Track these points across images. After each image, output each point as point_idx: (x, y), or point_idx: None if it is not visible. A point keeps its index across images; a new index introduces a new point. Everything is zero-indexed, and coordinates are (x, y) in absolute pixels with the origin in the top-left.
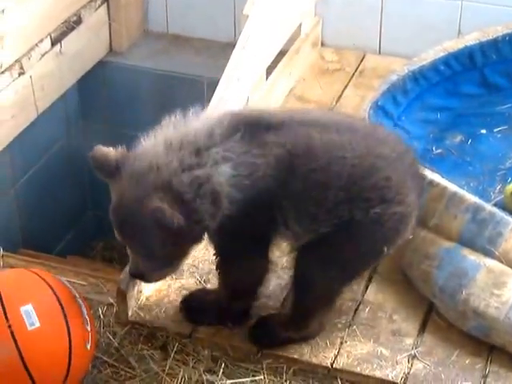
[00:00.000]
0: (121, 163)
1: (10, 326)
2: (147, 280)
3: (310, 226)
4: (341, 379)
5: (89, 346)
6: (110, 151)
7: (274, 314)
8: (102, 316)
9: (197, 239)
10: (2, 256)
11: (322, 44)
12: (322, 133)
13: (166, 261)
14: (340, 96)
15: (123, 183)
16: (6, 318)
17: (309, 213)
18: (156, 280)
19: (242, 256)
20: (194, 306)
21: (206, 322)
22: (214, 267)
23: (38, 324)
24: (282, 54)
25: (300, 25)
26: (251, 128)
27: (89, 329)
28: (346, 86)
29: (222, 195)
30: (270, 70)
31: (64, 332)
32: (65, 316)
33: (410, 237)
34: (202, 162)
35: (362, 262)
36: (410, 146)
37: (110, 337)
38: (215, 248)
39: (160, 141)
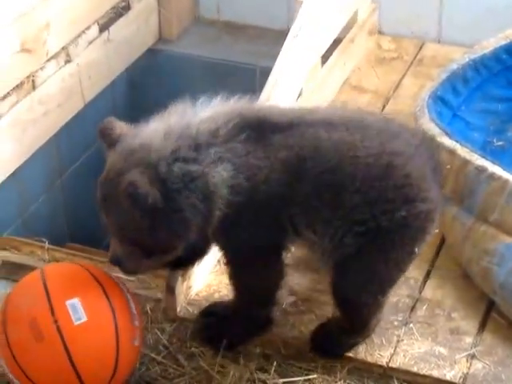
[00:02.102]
0: (122, 137)
1: (56, 321)
2: (124, 268)
3: (326, 232)
4: (397, 379)
5: (136, 343)
6: (117, 124)
7: (332, 321)
8: (149, 312)
9: (177, 236)
10: (48, 249)
11: (379, 32)
12: (332, 132)
13: (143, 250)
14: (397, 86)
15: (115, 157)
16: (52, 312)
17: (323, 218)
18: (133, 271)
19: (251, 263)
20: (212, 325)
21: (232, 339)
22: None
23: (84, 318)
24: (337, 42)
25: (356, 12)
26: (258, 129)
27: (137, 324)
28: (403, 76)
29: (216, 195)
30: (324, 59)
31: (111, 327)
32: (112, 311)
33: (436, 231)
34: (199, 158)
35: (396, 268)
36: (427, 138)
37: (159, 333)
38: (224, 255)
39: (161, 126)
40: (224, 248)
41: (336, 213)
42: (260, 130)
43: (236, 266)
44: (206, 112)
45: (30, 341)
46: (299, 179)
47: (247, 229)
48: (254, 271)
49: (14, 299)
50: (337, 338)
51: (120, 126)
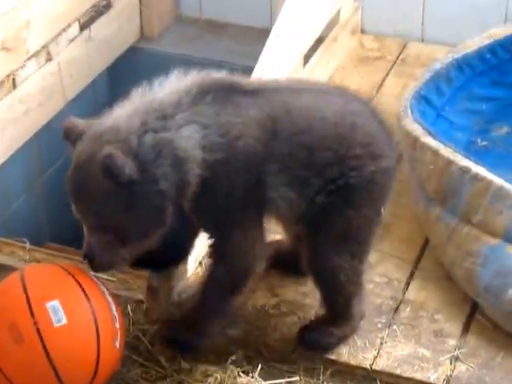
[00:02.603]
0: (87, 129)
1: (35, 323)
2: (99, 263)
3: (304, 191)
4: (380, 381)
5: (118, 344)
6: (79, 121)
7: (316, 318)
8: (131, 313)
9: (154, 213)
10: (29, 250)
11: (362, 31)
12: (298, 97)
13: (118, 238)
14: (380, 85)
15: (82, 146)
16: (32, 314)
17: (299, 177)
18: (109, 264)
19: (234, 235)
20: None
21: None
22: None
23: (64, 321)
24: (319, 41)
25: (339, 11)
26: (224, 91)
27: (118, 326)
28: (386, 75)
29: (189, 160)
30: (307, 58)
31: (92, 329)
32: (93, 313)
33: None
34: (167, 126)
35: (368, 227)
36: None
37: (140, 335)
38: (205, 227)
39: (125, 109)
40: (205, 222)
41: (311, 171)
42: (226, 91)
43: (218, 239)
44: (167, 88)
45: (10, 343)
46: (273, 138)
47: (228, 192)
48: (237, 244)
49: None
50: (323, 330)
51: (82, 123)
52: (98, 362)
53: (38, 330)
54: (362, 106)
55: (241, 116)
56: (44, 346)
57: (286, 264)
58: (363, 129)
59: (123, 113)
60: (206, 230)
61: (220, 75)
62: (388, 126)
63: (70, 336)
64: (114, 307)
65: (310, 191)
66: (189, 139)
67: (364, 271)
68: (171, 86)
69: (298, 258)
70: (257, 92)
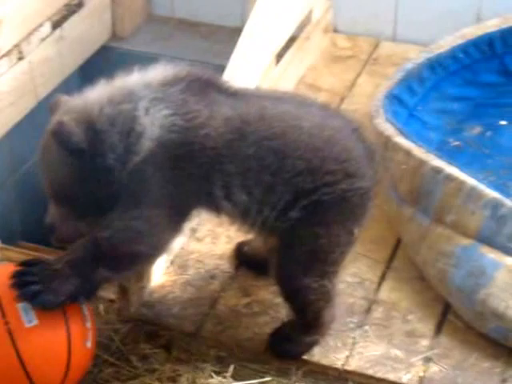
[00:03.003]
0: (61, 106)
1: (6, 323)
2: (57, 235)
3: (267, 199)
4: (352, 382)
5: (89, 344)
6: (62, 98)
7: (287, 323)
8: (102, 312)
9: (104, 186)
10: (1, 249)
11: (334, 30)
12: (277, 104)
13: (75, 211)
14: (353, 84)
15: (51, 120)
16: (3, 314)
17: (263, 181)
18: (67, 236)
19: (149, 207)
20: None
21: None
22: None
23: (35, 321)
24: (292, 40)
25: (311, 10)
26: (198, 84)
27: (89, 326)
28: (359, 74)
29: (141, 134)
30: (279, 58)
31: (63, 329)
32: (64, 313)
33: None
34: (132, 101)
35: (338, 248)
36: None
37: (112, 334)
38: (123, 199)
39: (99, 88)
40: (132, 189)
41: (278, 178)
42: (201, 85)
43: (129, 206)
44: (142, 74)
45: None
46: (241, 139)
47: (169, 175)
48: (158, 226)
49: None
50: (294, 339)
51: (64, 99)
52: (69, 363)
53: (8, 330)
54: (343, 123)
55: (209, 109)
56: (15, 346)
57: (256, 264)
58: (340, 145)
59: (96, 92)
60: (124, 203)
61: (199, 70)
62: (373, 149)
63: (40, 336)
64: (85, 307)
65: (274, 198)
66: (149, 115)
67: (334, 287)
68: (147, 73)
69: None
70: (234, 94)
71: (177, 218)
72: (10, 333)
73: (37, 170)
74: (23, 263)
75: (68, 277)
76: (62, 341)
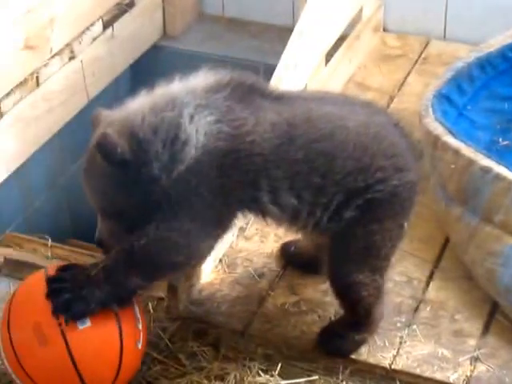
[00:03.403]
0: (102, 120)
1: (60, 325)
2: (107, 250)
3: (317, 201)
4: (399, 381)
5: (140, 345)
6: (102, 111)
7: (336, 321)
8: (152, 311)
9: (150, 196)
10: (50, 246)
11: (384, 29)
12: (322, 106)
13: (122, 223)
14: (402, 83)
15: (94, 134)
16: (57, 316)
17: (312, 184)
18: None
19: (188, 220)
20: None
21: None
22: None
23: (89, 323)
24: (341, 39)
25: (361, 9)
26: (242, 90)
27: (140, 327)
28: (408, 73)
29: (186, 142)
30: (329, 57)
31: (115, 331)
32: (116, 315)
33: None
34: (175, 108)
35: (389, 242)
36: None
37: (160, 333)
38: (163, 208)
39: (140, 99)
40: (174, 200)
41: (328, 179)
42: (246, 91)
43: (170, 218)
44: (184, 82)
45: (34, 344)
46: (289, 143)
47: (220, 183)
48: (187, 234)
49: (17, 301)
50: (344, 336)
51: (104, 113)
52: (120, 364)
53: (62, 332)
54: (386, 119)
55: (255, 115)
56: (68, 348)
57: (304, 263)
58: (387, 140)
59: (136, 103)
60: (165, 213)
61: (242, 75)
62: (414, 143)
63: (93, 338)
64: (137, 309)
65: (325, 200)
66: (194, 122)
67: (384, 283)
68: (189, 80)
69: (317, 259)
70: (278, 98)
71: (218, 228)
72: (63, 334)
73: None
74: (59, 269)
75: (100, 284)
76: (115, 342)
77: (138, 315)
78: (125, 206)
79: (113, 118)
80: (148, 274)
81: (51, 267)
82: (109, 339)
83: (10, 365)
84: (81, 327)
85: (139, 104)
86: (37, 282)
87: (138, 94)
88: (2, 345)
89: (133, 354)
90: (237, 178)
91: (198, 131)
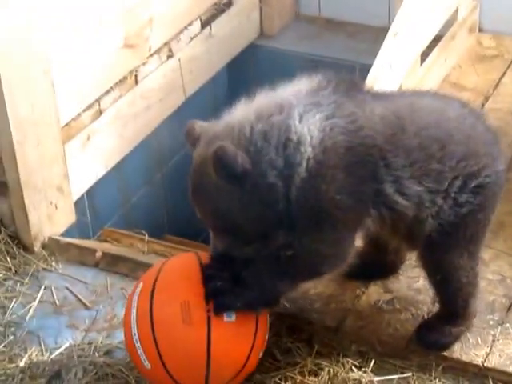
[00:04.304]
0: (203, 132)
1: (209, 311)
2: (224, 262)
3: (437, 186)
4: (492, 379)
5: (261, 355)
6: (198, 124)
7: (435, 314)
8: None
9: (268, 208)
10: (147, 242)
11: (480, 29)
12: (420, 99)
13: (239, 237)
14: (497, 84)
15: (199, 148)
16: (208, 301)
17: (431, 170)
18: (236, 266)
19: (331, 229)
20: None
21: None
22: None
23: (234, 318)
24: (437, 39)
25: (457, 9)
26: (344, 87)
27: (267, 338)
28: (503, 74)
29: (299, 142)
30: (424, 57)
31: (251, 336)
32: (256, 322)
33: None
34: (282, 112)
35: (487, 228)
36: None
37: None
38: (298, 219)
39: (241, 109)
40: (309, 211)
41: (445, 165)
42: (346, 87)
43: (307, 230)
44: (285, 88)
45: (178, 321)
46: (401, 133)
47: (348, 183)
48: (326, 238)
49: (168, 274)
50: (441, 330)
51: (200, 125)
52: (242, 369)
53: (208, 318)
54: (473, 112)
55: (362, 109)
56: (208, 335)
57: (367, 271)
58: (481, 129)
59: (239, 113)
60: (303, 225)
61: (339, 76)
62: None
63: (232, 334)
64: (268, 320)
65: (443, 186)
66: (303, 121)
67: (479, 272)
68: (291, 85)
69: (379, 265)
70: (379, 95)
71: (356, 230)
72: (208, 320)
73: (183, 166)
74: (215, 258)
75: (249, 286)
76: (247, 345)
77: (268, 327)
78: (243, 220)
79: (216, 130)
80: (295, 282)
81: (203, 254)
82: (243, 340)
83: (141, 334)
84: (226, 319)
85: (242, 113)
86: (190, 264)
87: (236, 105)
88: (136, 313)
89: (254, 361)
90: (360, 173)
91: (310, 129)
